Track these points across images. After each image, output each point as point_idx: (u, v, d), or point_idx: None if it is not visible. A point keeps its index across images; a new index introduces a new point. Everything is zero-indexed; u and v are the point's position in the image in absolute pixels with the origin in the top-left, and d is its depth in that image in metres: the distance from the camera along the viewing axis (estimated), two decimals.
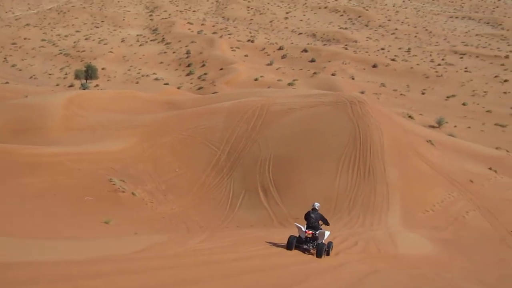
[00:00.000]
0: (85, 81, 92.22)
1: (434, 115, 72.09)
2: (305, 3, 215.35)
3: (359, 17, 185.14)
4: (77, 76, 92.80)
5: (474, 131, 68.16)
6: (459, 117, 75.66)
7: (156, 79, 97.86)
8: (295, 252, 17.74)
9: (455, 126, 68.70)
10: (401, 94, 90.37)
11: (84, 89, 79.64)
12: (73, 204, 29.86)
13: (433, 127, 66.42)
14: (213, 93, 76.08)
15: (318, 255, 17.55)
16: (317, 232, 18.11)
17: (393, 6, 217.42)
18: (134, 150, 40.63)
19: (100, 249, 13.76)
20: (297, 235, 18.26)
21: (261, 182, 35.83)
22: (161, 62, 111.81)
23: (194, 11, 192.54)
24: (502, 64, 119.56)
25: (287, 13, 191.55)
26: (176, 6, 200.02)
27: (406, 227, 28.50)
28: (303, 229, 18.20)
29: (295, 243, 17.88)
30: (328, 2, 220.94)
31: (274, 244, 18.57)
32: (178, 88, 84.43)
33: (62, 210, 28.33)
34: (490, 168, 43.69)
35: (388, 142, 37.29)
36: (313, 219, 18.27)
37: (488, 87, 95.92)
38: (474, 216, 33.90)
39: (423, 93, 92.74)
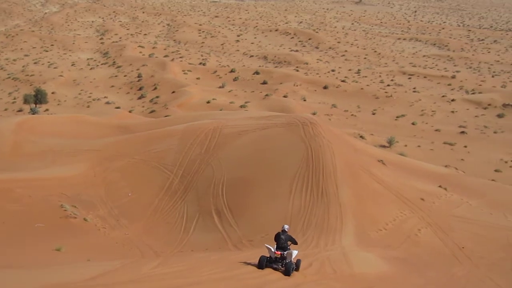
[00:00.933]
0: (34, 105, 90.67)
1: (385, 135, 73.26)
2: (256, 26, 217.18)
3: (309, 39, 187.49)
4: (26, 101, 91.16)
5: (424, 150, 69.47)
6: (409, 136, 77.06)
7: (108, 102, 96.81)
8: (256, 274, 17.94)
9: (406, 146, 69.94)
10: (352, 115, 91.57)
11: (33, 114, 78.32)
12: (23, 232, 29.22)
13: (384, 146, 67.49)
14: (166, 116, 75.71)
15: (286, 273, 19.15)
16: (285, 252, 19.59)
17: (342, 29, 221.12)
18: (85, 175, 40.06)
19: (52, 277, 13.50)
20: (268, 255, 19.75)
21: (215, 204, 35.71)
22: (112, 86, 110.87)
23: (145, 34, 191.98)
24: (449, 84, 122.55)
25: (238, 36, 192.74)
26: (127, 29, 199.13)
27: (360, 247, 28.74)
28: (273, 249, 19.66)
29: (266, 263, 19.44)
30: (279, 25, 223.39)
31: (229, 268, 18.56)
32: (130, 111, 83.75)
33: (12, 238, 27.69)
34: (440, 186, 44.53)
35: (340, 163, 37.67)
36: (283, 240, 19.73)
37: (436, 107, 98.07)
38: (426, 233, 34.42)
39: (373, 114, 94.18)
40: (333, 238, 29.26)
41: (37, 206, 33.03)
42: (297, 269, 20.04)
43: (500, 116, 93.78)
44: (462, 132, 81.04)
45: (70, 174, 39.61)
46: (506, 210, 41.67)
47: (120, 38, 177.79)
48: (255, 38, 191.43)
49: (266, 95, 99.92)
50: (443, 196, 42.24)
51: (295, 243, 20.28)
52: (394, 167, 46.19)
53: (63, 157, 43.13)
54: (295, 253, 19.88)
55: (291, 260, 19.55)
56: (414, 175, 46.63)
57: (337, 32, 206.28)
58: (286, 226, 20.20)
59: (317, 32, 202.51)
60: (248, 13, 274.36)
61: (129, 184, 39.35)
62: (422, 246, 32.57)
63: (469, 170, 59.37)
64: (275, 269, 19.46)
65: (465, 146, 72.33)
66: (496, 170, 61.94)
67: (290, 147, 39.46)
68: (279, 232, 20.01)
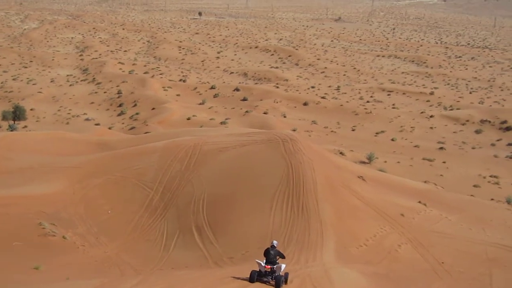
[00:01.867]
0: (13, 122, 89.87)
1: (365, 151, 73.58)
2: (236, 43, 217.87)
3: (289, 56, 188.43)
4: (4, 117, 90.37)
5: (403, 166, 69.90)
6: (388, 152, 77.49)
7: (87, 119, 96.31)
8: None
9: (385, 162, 70.31)
10: (332, 131, 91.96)
11: (12, 131, 77.60)
12: (0, 250, 28.86)
13: (364, 162, 67.77)
14: (146, 133, 75.47)
15: (277, 286, 20.82)
16: (275, 266, 21.22)
17: (322, 46, 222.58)
18: (64, 192, 39.72)
19: None
20: (258, 270, 21.41)
21: (195, 222, 35.57)
22: (92, 102, 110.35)
23: (125, 51, 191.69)
24: (428, 101, 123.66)
25: (218, 52, 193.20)
26: (107, 46, 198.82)
27: (341, 263, 28.77)
28: (263, 264, 21.27)
29: (256, 277, 21.14)
30: (259, 42, 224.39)
31: (211, 285, 18.50)
32: (110, 128, 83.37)
33: None
34: (419, 202, 44.78)
35: (321, 179, 37.76)
36: (272, 255, 21.43)
37: (415, 123, 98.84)
38: (406, 249, 34.57)
39: (353, 130, 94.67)
40: (314, 254, 29.26)
41: (15, 224, 32.67)
42: (285, 281, 21.59)
43: (478, 132, 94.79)
44: (441, 148, 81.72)
45: (48, 191, 39.25)
46: (485, 225, 42.03)
47: (100, 54, 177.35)
48: (235, 55, 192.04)
49: (246, 111, 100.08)
50: (423, 212, 42.49)
51: (283, 257, 21.95)
52: (374, 183, 46.39)
53: (42, 174, 42.75)
54: (283, 266, 21.47)
55: (280, 274, 21.14)
56: (394, 191, 46.88)
57: (317, 49, 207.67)
58: (275, 242, 22.07)
59: (297, 49, 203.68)
60: (228, 30, 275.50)
61: (108, 202, 39.07)
62: (403, 262, 32.70)
63: (448, 185, 59.78)
64: (265, 282, 21.12)
65: (444, 162, 72.92)
66: (474, 186, 62.48)
67: (271, 163, 39.50)
68: (268, 248, 21.68)
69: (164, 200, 38.66)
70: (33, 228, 32.73)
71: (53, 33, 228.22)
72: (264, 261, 21.42)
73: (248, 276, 21.37)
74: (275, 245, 21.89)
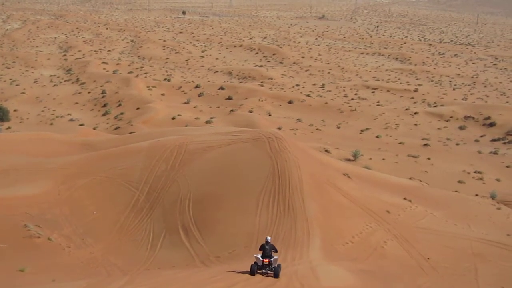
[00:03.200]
0: None
1: (350, 149, 73.74)
2: (221, 42, 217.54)
3: (273, 54, 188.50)
4: None
5: (389, 163, 70.15)
6: (373, 149, 77.72)
7: (71, 120, 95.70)
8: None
9: (370, 159, 70.54)
10: (317, 129, 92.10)
11: None
12: None
13: (349, 160, 67.96)
14: (131, 133, 75.19)
15: (276, 276, 23.52)
16: (272, 259, 23.77)
17: (306, 44, 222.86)
18: (49, 193, 39.50)
19: None
20: (256, 263, 23.79)
21: (182, 221, 35.51)
22: (76, 103, 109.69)
23: (109, 50, 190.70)
24: (412, 98, 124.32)
25: (202, 51, 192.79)
26: (91, 46, 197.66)
27: (328, 260, 28.87)
28: (260, 258, 23.73)
29: (256, 269, 23.69)
30: (243, 41, 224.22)
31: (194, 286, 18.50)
32: (94, 128, 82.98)
33: None
34: (405, 198, 45.03)
35: (306, 177, 37.85)
36: (268, 250, 23.81)
37: (399, 120, 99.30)
38: (392, 245, 34.75)
39: (338, 127, 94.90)
40: (301, 252, 29.34)
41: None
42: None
43: (461, 128, 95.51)
44: (426, 145, 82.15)
45: (33, 193, 39.02)
46: (469, 220, 42.38)
47: (84, 54, 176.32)
48: (220, 53, 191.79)
49: (232, 110, 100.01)
50: (408, 208, 42.74)
51: (276, 251, 24.29)
52: (360, 180, 46.57)
53: (26, 175, 42.47)
54: (276, 258, 24.14)
55: (276, 265, 23.83)
56: (379, 188, 47.09)
57: (301, 47, 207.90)
58: (268, 238, 24.47)
59: (281, 47, 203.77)
60: (213, 29, 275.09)
61: (94, 202, 38.91)
62: (389, 258, 32.87)
63: (433, 182, 60.15)
64: (264, 273, 23.65)
65: (429, 158, 73.29)
66: (459, 181, 62.89)
67: (256, 162, 39.51)
68: (263, 243, 24.08)
69: (150, 200, 38.56)
70: (18, 230, 32.52)
71: (36, 33, 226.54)
72: (260, 255, 23.79)
73: (248, 270, 23.83)
74: (269, 240, 24.19)
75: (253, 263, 23.88)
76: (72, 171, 43.04)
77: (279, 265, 24.11)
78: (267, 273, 23.72)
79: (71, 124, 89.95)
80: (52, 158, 47.45)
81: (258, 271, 23.78)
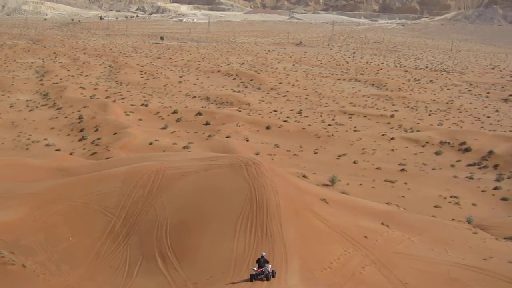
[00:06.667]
0: None
1: (327, 174, 73.90)
2: (198, 67, 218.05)
3: (251, 80, 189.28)
4: None
5: (366, 188, 70.37)
6: (351, 174, 77.97)
7: (48, 145, 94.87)
8: None
9: (348, 184, 70.74)
10: (294, 155, 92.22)
11: None
12: None
13: (326, 185, 68.12)
14: (108, 158, 74.71)
15: (267, 278, 28.96)
16: (264, 269, 29.03)
17: (284, 70, 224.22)
18: (24, 219, 39.03)
19: None
20: (253, 272, 29.09)
21: (159, 247, 35.27)
22: (53, 128, 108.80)
23: (86, 75, 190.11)
24: (388, 123, 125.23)
25: (180, 77, 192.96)
26: (68, 70, 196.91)
27: (306, 286, 28.85)
28: (255, 269, 29.01)
29: (254, 277, 28.98)
30: (221, 66, 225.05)
31: None
32: (71, 153, 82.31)
33: None
34: (382, 223, 45.17)
35: (284, 202, 37.88)
36: (262, 262, 29.13)
37: (376, 145, 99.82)
38: (370, 270, 34.77)
39: (315, 153, 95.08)
40: (279, 278, 29.33)
41: None
42: (273, 275, 29.41)
43: (437, 153, 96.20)
44: (402, 170, 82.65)
45: (8, 219, 38.55)
46: (446, 245, 42.60)
47: (61, 79, 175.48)
48: (198, 79, 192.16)
49: (209, 135, 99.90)
50: (386, 233, 42.87)
51: (268, 262, 29.52)
52: (337, 206, 46.69)
53: (1, 201, 41.96)
54: (269, 266, 29.36)
55: (268, 271, 29.07)
56: (357, 213, 47.22)
57: (279, 73, 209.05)
58: (263, 253, 29.90)
59: (259, 73, 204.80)
60: (190, 54, 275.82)
61: (70, 228, 38.50)
62: (367, 284, 32.87)
63: (410, 206, 60.44)
64: (260, 279, 28.90)
65: (405, 183, 73.70)
66: (435, 206, 63.25)
67: (234, 187, 39.50)
68: (259, 258, 29.47)
69: (126, 226, 38.26)
70: None
71: (12, 58, 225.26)
72: (257, 267, 29.15)
73: (248, 278, 29.34)
74: (263, 255, 29.59)
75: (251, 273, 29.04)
76: (47, 196, 42.61)
77: (273, 271, 29.47)
78: (262, 279, 28.97)
79: (47, 149, 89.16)
80: (27, 184, 46.97)
81: (256, 278, 28.96)
